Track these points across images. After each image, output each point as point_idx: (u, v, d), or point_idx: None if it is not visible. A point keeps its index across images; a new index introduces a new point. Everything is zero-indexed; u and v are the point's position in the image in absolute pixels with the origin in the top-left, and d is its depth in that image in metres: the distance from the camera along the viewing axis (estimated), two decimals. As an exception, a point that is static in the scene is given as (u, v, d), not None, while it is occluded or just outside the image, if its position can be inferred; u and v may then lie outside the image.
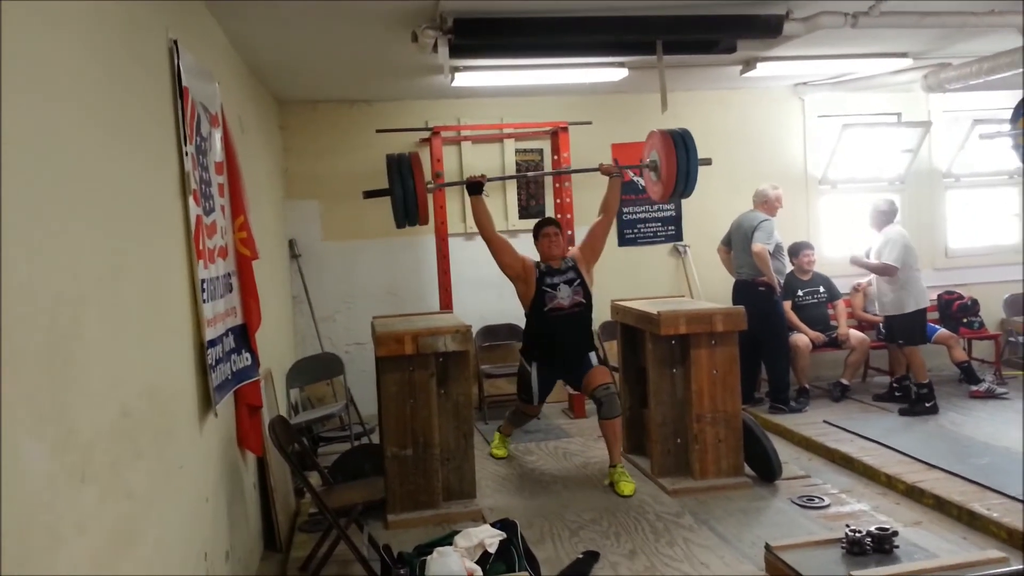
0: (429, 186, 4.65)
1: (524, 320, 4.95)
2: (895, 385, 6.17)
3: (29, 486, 1.54)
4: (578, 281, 4.76)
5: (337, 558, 3.63)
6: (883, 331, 6.37)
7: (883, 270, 5.91)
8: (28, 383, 1.57)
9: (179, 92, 2.85)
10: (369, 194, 4.63)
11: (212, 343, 3.02)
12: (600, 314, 6.44)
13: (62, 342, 1.74)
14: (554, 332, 4.75)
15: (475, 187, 4.71)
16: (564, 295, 4.72)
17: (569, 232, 6.18)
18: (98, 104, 2.10)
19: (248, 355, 3.60)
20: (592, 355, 4.82)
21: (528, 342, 4.93)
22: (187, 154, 2.87)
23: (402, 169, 4.48)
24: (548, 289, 4.72)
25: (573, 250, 4.97)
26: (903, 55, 5.77)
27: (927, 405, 5.76)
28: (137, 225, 2.39)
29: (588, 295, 4.80)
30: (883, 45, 5.50)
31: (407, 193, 4.46)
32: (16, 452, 1.50)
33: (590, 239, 4.88)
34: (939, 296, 6.90)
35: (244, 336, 3.61)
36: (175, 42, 2.85)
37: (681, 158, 4.64)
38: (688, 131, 4.77)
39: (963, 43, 5.53)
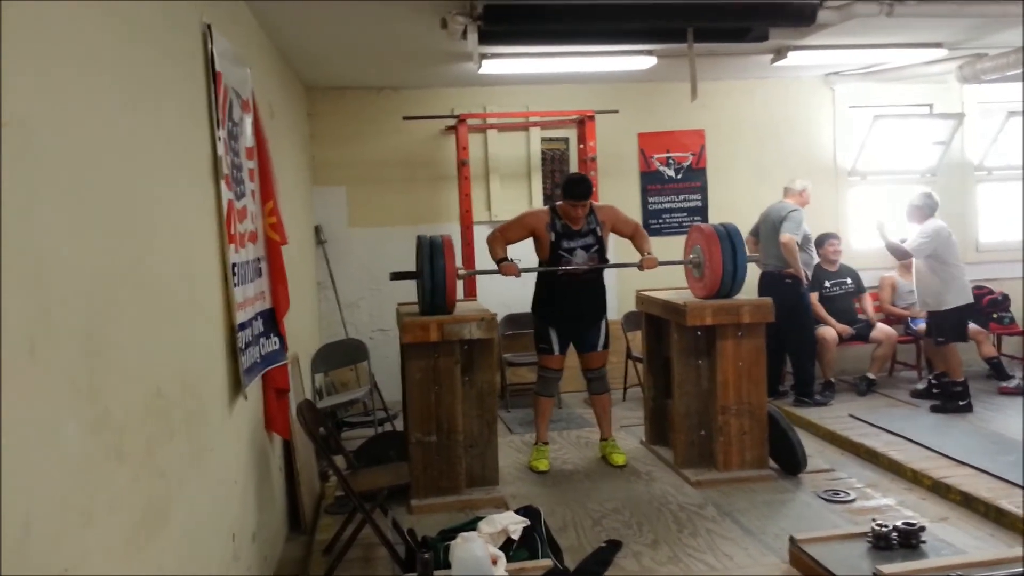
0: (460, 272, 4.45)
1: None
2: (933, 382, 5.98)
3: (66, 464, 1.57)
4: (596, 247, 4.70)
5: (361, 541, 3.66)
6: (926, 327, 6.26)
7: (894, 249, 5.90)
8: (68, 361, 1.60)
9: (212, 77, 2.87)
10: (396, 276, 4.50)
11: (242, 326, 3.05)
12: (625, 304, 6.45)
13: (100, 321, 1.77)
14: (567, 295, 4.73)
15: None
16: (579, 260, 4.67)
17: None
18: (134, 87, 2.12)
19: (276, 339, 3.64)
20: (603, 329, 4.84)
21: (540, 301, 4.87)
22: (219, 139, 2.89)
23: (433, 252, 4.25)
24: (564, 253, 4.66)
25: (603, 208, 4.80)
26: (938, 45, 5.68)
27: (961, 404, 5.65)
28: (171, 208, 2.41)
29: (604, 260, 4.78)
30: (918, 35, 5.41)
31: (436, 276, 4.20)
32: (55, 430, 1.53)
33: (620, 226, 4.82)
34: (969, 290, 6.80)
35: (272, 320, 3.64)
36: (209, 27, 2.87)
37: (727, 257, 4.47)
38: (736, 227, 4.62)
39: (999, 33, 5.43)
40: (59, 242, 1.58)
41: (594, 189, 4.95)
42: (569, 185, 4.66)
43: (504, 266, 4.59)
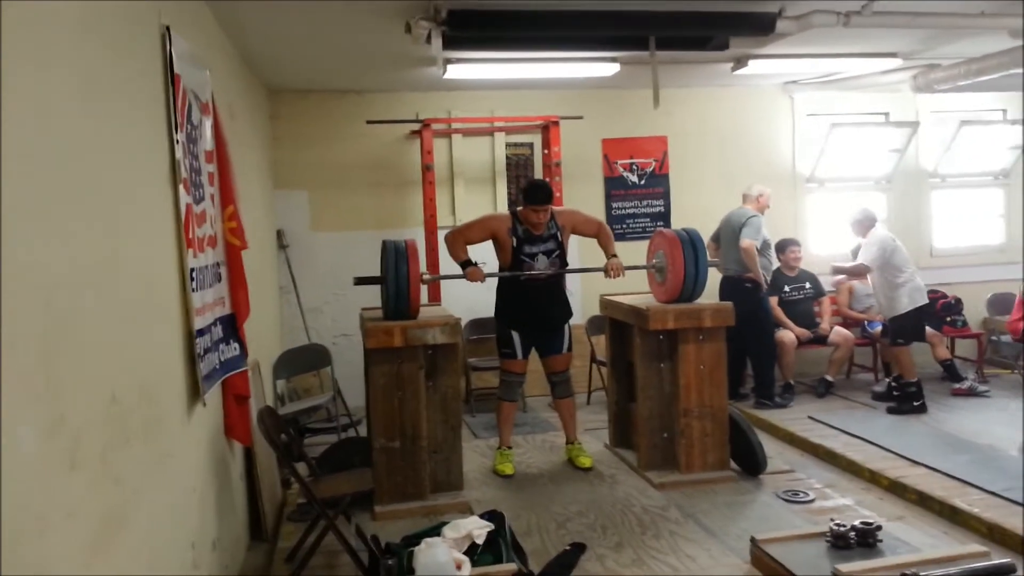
0: (424, 277, 4.44)
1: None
2: (893, 384, 6.08)
3: (21, 470, 1.54)
4: (557, 252, 4.72)
5: (324, 549, 3.62)
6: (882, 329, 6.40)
7: (855, 270, 6.08)
8: (23, 365, 1.56)
9: (171, 79, 2.83)
10: (360, 281, 4.49)
11: (200, 332, 3.01)
12: (589, 308, 6.48)
13: (57, 327, 1.73)
14: (529, 299, 4.75)
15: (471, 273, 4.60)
16: (541, 265, 4.69)
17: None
18: (90, 90, 2.08)
19: (236, 345, 3.59)
20: (566, 332, 4.87)
21: (503, 305, 4.88)
22: (178, 142, 2.85)
23: (398, 257, 4.24)
24: (525, 259, 4.68)
25: (563, 213, 4.85)
26: (893, 55, 5.82)
27: (915, 404, 5.80)
28: (128, 212, 2.37)
29: (565, 264, 4.81)
30: (873, 45, 5.54)
31: (400, 281, 4.21)
32: (10, 435, 1.49)
33: (581, 227, 4.87)
34: (923, 295, 6.96)
35: (232, 326, 3.59)
36: (168, 28, 2.83)
37: (689, 261, 4.52)
38: (697, 232, 4.68)
39: (952, 44, 5.58)
40: (15, 244, 1.55)
41: (556, 195, 4.96)
42: (530, 191, 4.67)
43: (470, 271, 4.59)
